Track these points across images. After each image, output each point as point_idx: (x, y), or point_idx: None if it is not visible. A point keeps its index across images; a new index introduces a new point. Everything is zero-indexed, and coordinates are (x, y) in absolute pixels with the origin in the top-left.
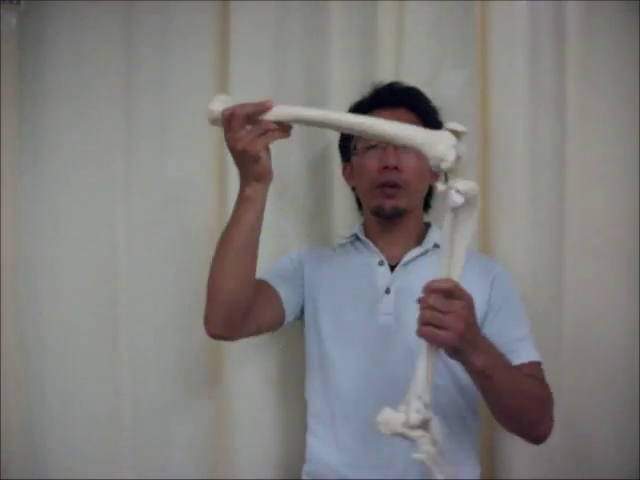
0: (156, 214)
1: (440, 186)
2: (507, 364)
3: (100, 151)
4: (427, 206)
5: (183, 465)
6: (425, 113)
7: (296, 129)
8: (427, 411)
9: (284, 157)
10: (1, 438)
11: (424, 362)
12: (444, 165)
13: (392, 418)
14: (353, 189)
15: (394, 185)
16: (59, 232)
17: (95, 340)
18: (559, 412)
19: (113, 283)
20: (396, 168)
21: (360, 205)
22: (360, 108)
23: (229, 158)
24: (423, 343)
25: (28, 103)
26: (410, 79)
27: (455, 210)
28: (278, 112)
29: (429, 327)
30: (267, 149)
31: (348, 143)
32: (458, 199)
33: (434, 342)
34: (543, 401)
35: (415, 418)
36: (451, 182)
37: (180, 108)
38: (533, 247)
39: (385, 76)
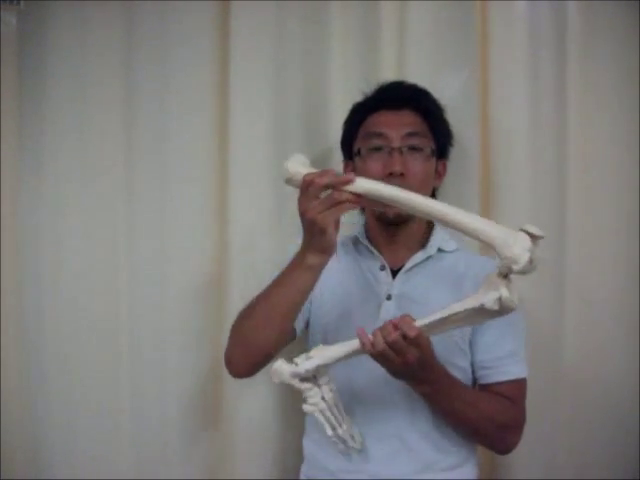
0: (157, 219)
1: (494, 278)
2: (459, 391)
3: (101, 151)
4: None
5: (183, 465)
6: (430, 114)
7: (296, 128)
8: (318, 369)
9: (284, 157)
10: (1, 438)
11: (347, 344)
12: (515, 267)
13: (282, 368)
14: None
15: None
16: (60, 236)
17: (97, 347)
18: (559, 413)
19: (115, 292)
20: (401, 175)
21: None
22: (363, 108)
23: (229, 161)
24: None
25: (28, 103)
26: (411, 80)
27: (483, 308)
28: (359, 185)
29: (379, 355)
30: (337, 222)
31: (351, 142)
32: (493, 305)
33: (374, 358)
34: (502, 425)
35: (301, 370)
36: (502, 287)
37: (181, 108)
38: None
39: (386, 77)
